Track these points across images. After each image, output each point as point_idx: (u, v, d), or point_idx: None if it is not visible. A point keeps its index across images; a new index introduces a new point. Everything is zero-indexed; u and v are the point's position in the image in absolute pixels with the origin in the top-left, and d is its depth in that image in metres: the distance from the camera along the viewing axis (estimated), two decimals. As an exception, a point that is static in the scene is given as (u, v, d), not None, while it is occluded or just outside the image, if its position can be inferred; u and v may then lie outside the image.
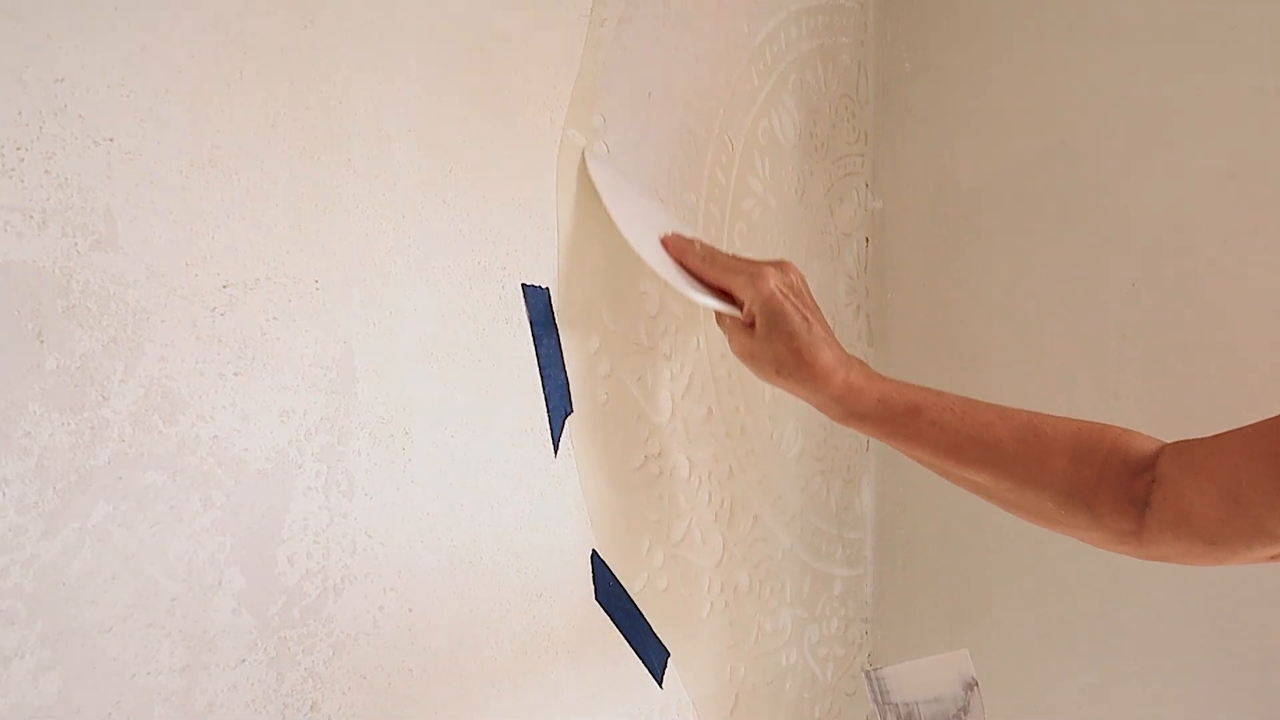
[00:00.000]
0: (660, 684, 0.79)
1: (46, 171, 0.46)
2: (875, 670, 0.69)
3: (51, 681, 0.46)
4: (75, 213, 0.46)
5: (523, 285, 0.69)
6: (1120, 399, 0.88)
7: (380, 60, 0.60)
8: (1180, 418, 0.84)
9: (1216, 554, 0.57)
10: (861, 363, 0.69)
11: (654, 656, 0.78)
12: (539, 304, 0.70)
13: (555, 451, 0.70)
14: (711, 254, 0.71)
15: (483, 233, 0.66)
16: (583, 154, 0.72)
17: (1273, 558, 0.56)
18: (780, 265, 0.70)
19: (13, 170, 0.44)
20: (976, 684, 0.68)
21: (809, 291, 0.72)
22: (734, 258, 0.71)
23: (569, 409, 0.71)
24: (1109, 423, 0.64)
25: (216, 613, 0.52)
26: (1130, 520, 0.61)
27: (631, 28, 0.77)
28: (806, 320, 0.67)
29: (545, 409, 0.70)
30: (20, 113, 0.45)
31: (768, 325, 0.67)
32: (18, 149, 0.45)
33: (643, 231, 0.71)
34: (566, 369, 0.71)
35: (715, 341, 0.84)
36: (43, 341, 0.45)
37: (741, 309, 0.69)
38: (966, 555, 0.99)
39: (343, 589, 0.57)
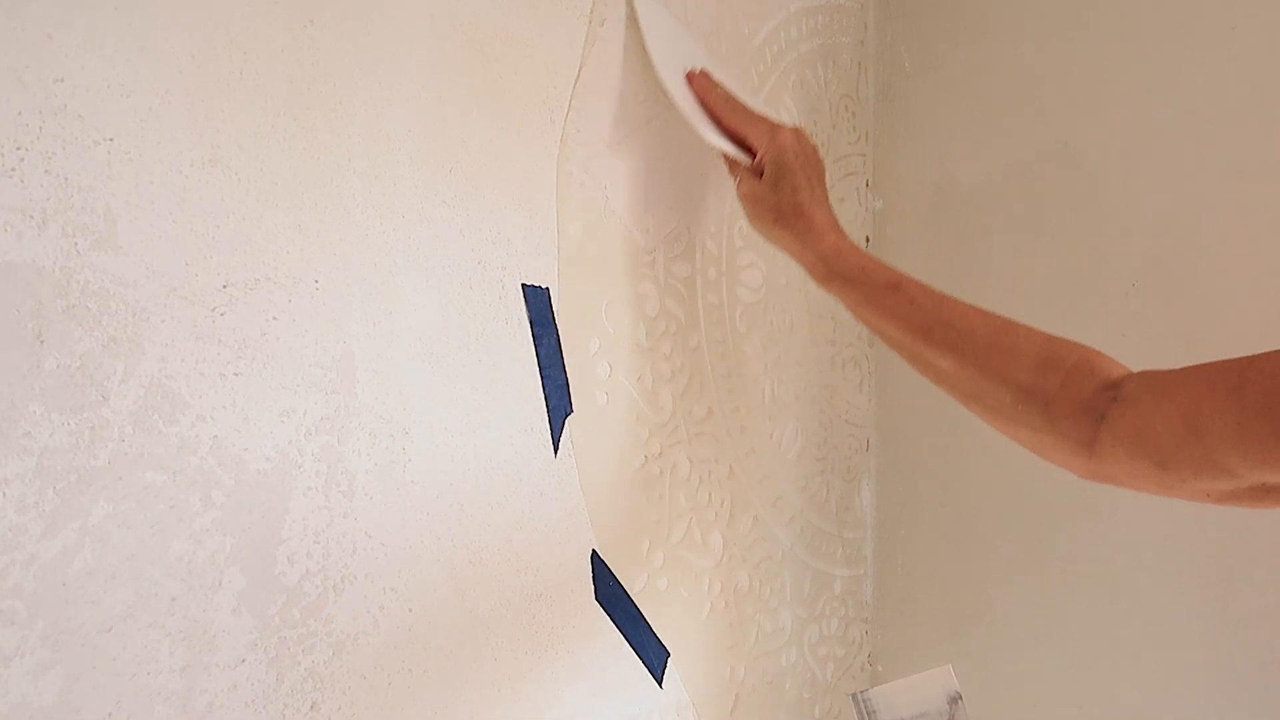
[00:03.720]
0: (660, 684, 0.79)
1: (46, 171, 0.46)
2: (862, 692, 0.70)
3: (51, 681, 0.46)
4: (75, 213, 0.46)
5: (523, 285, 0.69)
6: (1120, 399, 0.88)
7: (380, 60, 0.60)
8: (1180, 418, 0.84)
9: (1164, 480, 0.57)
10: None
11: (654, 656, 0.78)
12: (539, 304, 0.70)
13: (555, 451, 0.70)
14: (733, 100, 0.74)
15: (483, 233, 0.66)
16: None
17: (1210, 495, 0.56)
18: (796, 130, 0.74)
19: (13, 170, 0.45)
20: (960, 698, 0.69)
21: (820, 162, 0.75)
22: (754, 110, 0.74)
23: (569, 409, 0.71)
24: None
25: (216, 613, 0.52)
26: (1085, 429, 0.60)
27: (631, 28, 0.77)
28: (810, 180, 0.72)
29: (545, 409, 0.70)
30: (20, 113, 0.45)
31: (775, 175, 0.71)
32: (18, 149, 0.45)
33: (673, 66, 0.75)
34: (566, 369, 0.71)
35: (715, 342, 0.84)
36: (43, 341, 0.45)
37: (754, 157, 0.73)
38: (966, 555, 0.99)
39: (343, 589, 0.57)
